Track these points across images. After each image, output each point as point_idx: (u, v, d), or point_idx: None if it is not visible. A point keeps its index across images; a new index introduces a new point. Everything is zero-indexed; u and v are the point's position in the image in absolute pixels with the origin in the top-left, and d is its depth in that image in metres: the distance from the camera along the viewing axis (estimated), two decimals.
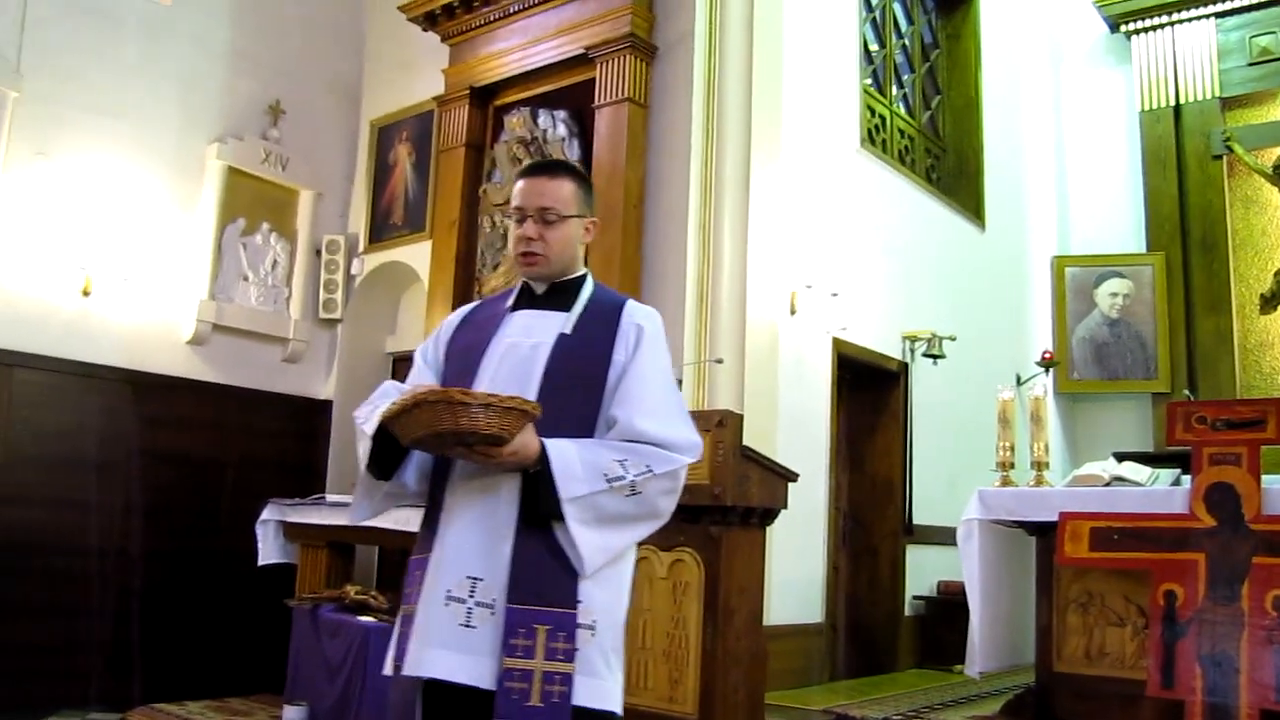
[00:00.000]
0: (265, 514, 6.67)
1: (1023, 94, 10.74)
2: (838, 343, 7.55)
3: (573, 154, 6.94)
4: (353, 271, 8.61)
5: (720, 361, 6.23)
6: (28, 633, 6.72)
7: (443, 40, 7.82)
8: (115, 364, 7.33)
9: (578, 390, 2.52)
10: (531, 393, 2.47)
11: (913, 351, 8.37)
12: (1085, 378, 10.53)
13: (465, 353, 2.65)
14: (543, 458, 2.36)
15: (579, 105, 7.02)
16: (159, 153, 7.66)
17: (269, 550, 6.63)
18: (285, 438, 8.25)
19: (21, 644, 6.65)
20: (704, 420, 4.70)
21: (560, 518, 2.37)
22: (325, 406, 8.51)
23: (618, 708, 2.44)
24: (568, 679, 2.33)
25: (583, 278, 2.74)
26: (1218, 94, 10.36)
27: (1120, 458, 5.94)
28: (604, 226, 6.53)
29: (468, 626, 2.35)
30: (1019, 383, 9.42)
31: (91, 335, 7.20)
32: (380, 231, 8.55)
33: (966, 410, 8.64)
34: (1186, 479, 5.02)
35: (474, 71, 7.58)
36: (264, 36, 8.38)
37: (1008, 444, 5.96)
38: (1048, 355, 9.74)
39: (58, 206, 7.08)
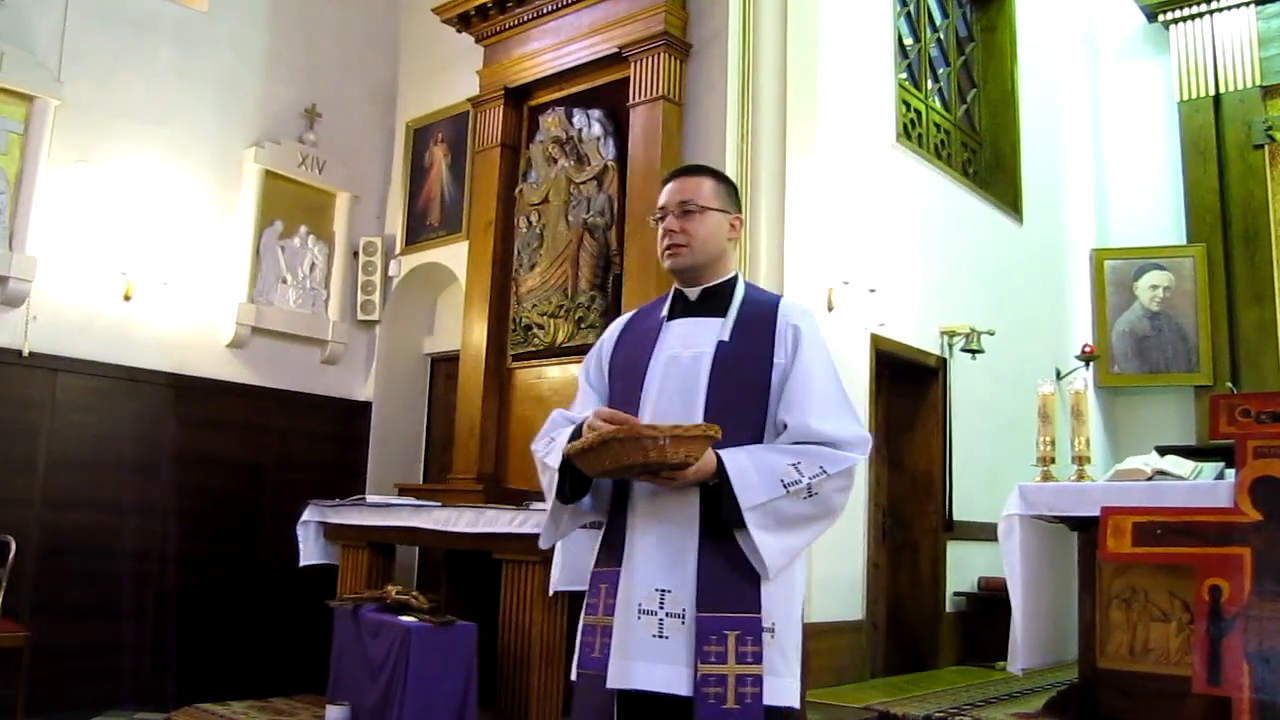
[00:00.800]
0: (306, 515, 6.72)
1: (1059, 86, 10.65)
2: (876, 338, 7.51)
3: (608, 153, 6.94)
4: (390, 273, 8.65)
5: None
6: (73, 634, 6.80)
7: (477, 41, 7.84)
8: (157, 368, 7.40)
9: (744, 398, 2.57)
10: (698, 406, 2.54)
11: (951, 347, 8.32)
12: (1126, 371, 10.43)
13: (628, 370, 2.72)
14: (720, 471, 2.43)
15: (613, 104, 7.02)
16: (198, 158, 7.73)
17: (310, 551, 6.68)
18: (325, 439, 8.30)
19: (67, 645, 6.73)
20: None
21: (743, 526, 2.44)
22: (364, 408, 8.56)
23: (797, 703, 2.54)
24: (758, 680, 2.42)
25: (734, 280, 2.79)
26: (1258, 82, 10.23)
27: (1163, 451, 5.89)
28: (640, 225, 6.54)
29: (660, 637, 2.44)
30: (1059, 377, 9.35)
31: (133, 339, 7.28)
32: (417, 233, 8.58)
33: (1006, 405, 8.58)
34: (1230, 473, 4.96)
35: (508, 72, 7.60)
36: (299, 41, 8.43)
37: (1048, 439, 5.92)
38: (1088, 349, 9.69)
39: (99, 212, 7.16)
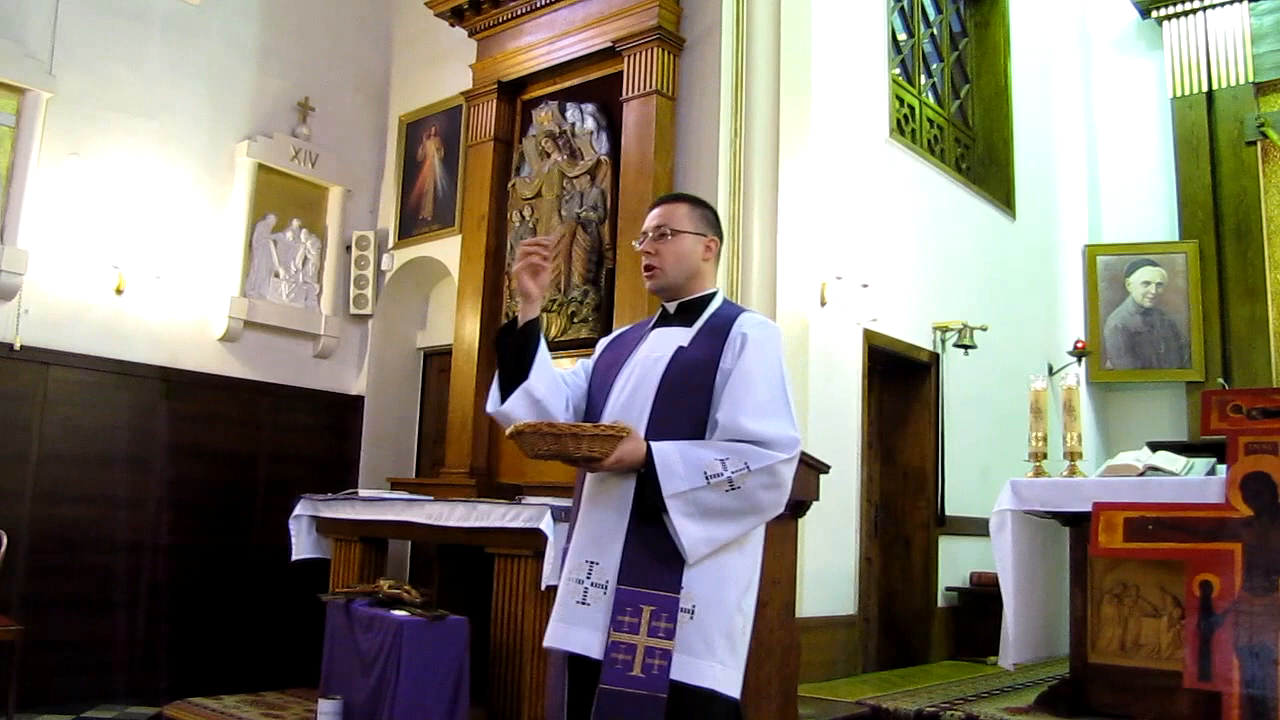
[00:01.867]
0: (298, 509, 6.70)
1: (1052, 82, 10.66)
2: (868, 334, 7.52)
3: (601, 148, 6.93)
4: (383, 267, 8.64)
5: None
6: (65, 627, 6.79)
7: (470, 35, 7.82)
8: (149, 361, 7.39)
9: (689, 397, 2.78)
10: (648, 404, 2.79)
11: (944, 342, 8.33)
12: (1118, 367, 10.45)
13: (608, 368, 2.99)
14: (648, 459, 2.66)
15: (607, 98, 7.01)
16: (190, 151, 7.71)
17: (302, 545, 6.66)
18: (317, 433, 8.30)
19: (59, 638, 6.72)
20: None
21: (665, 511, 2.64)
22: (357, 402, 8.55)
23: (723, 688, 2.67)
24: (667, 654, 2.60)
25: (710, 295, 3.01)
26: (1251, 79, 10.25)
27: (1154, 447, 5.91)
28: (633, 220, 6.54)
29: (583, 604, 2.69)
30: (1051, 372, 9.37)
31: (125, 333, 7.27)
32: (410, 227, 8.57)
33: (998, 401, 8.60)
34: (1222, 468, 4.98)
35: (501, 66, 7.59)
36: (292, 34, 8.41)
37: (1040, 434, 5.93)
38: (1080, 344, 9.70)
39: (91, 206, 7.14)
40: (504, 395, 2.89)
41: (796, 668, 4.96)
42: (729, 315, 2.93)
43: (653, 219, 3.01)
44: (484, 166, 7.60)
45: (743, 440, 2.70)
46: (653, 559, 2.67)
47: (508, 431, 2.70)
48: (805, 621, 5.93)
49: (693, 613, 2.66)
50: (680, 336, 2.90)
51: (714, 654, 2.67)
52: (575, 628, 2.68)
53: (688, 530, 2.64)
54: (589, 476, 2.81)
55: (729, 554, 2.76)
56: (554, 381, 2.94)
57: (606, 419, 2.82)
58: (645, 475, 2.67)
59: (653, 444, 2.68)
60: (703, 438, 2.75)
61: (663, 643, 2.60)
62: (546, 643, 2.74)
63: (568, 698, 2.76)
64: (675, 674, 2.60)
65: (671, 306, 3.00)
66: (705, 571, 2.70)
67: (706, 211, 3.06)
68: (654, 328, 3.01)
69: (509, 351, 2.89)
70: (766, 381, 2.80)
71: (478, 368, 7.17)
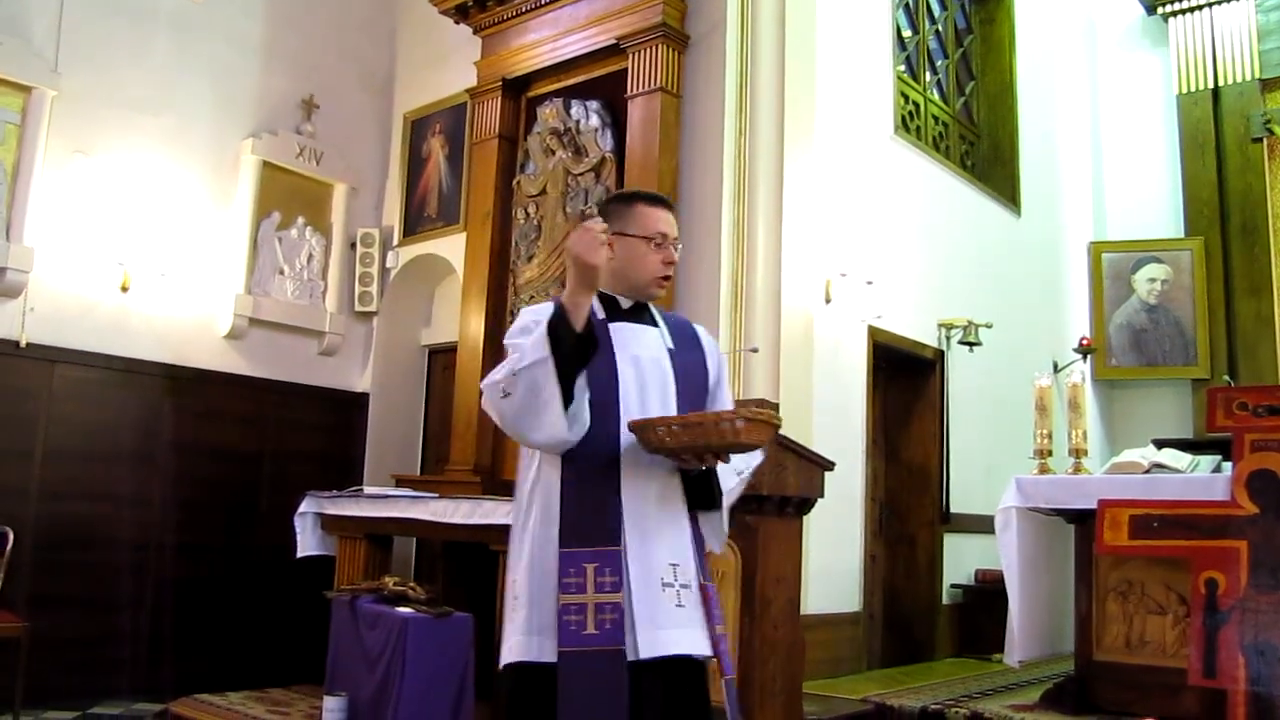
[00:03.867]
0: (303, 506, 6.71)
1: (1058, 78, 10.64)
2: (873, 331, 7.52)
3: (606, 145, 6.93)
4: (387, 264, 8.65)
5: (755, 350, 6.22)
6: (71, 624, 6.80)
7: (474, 32, 7.82)
8: (154, 359, 7.40)
9: (694, 395, 2.91)
10: (673, 399, 2.84)
11: (949, 339, 8.32)
12: (1123, 364, 10.43)
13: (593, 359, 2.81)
14: None
15: (612, 96, 7.01)
16: (194, 149, 7.72)
17: (307, 542, 6.67)
18: (322, 431, 8.30)
19: (64, 635, 6.73)
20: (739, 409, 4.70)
21: (719, 507, 2.86)
22: (362, 399, 8.56)
23: None
24: (723, 637, 2.81)
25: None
26: (1257, 76, 10.22)
27: (1160, 445, 5.90)
28: None
29: (680, 606, 2.70)
30: (1056, 370, 9.35)
31: (130, 331, 7.27)
32: (414, 224, 8.58)
33: (1003, 398, 8.59)
34: (1227, 466, 4.97)
35: (506, 63, 7.59)
36: (296, 32, 8.41)
37: (1045, 431, 5.93)
38: (1085, 342, 9.68)
39: (96, 203, 7.15)
40: (566, 416, 2.65)
41: (801, 665, 4.96)
42: (683, 321, 3.10)
43: (671, 225, 2.98)
44: (488, 164, 7.60)
45: None
46: (702, 553, 2.85)
47: (635, 425, 2.68)
48: (810, 619, 5.92)
49: None
50: (655, 336, 2.94)
51: None
52: (679, 630, 2.68)
53: (727, 522, 2.91)
54: (634, 476, 2.74)
55: None
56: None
57: (631, 415, 2.74)
58: (701, 474, 2.80)
59: None
60: None
61: (720, 629, 2.80)
62: (659, 652, 2.64)
63: (662, 706, 2.70)
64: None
65: (626, 302, 2.94)
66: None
67: None
68: (612, 319, 2.89)
69: (577, 359, 2.63)
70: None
71: (482, 365, 7.17)
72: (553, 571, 2.68)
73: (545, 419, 2.63)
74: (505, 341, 2.81)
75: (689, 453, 2.68)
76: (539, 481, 2.81)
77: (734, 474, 2.87)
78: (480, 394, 2.88)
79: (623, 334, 2.86)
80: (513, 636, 2.71)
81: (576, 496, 2.73)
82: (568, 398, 2.62)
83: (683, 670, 2.71)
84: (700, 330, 3.09)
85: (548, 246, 7.10)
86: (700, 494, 2.82)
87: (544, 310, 2.76)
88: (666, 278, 2.94)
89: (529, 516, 2.80)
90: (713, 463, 2.74)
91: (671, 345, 2.93)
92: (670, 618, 2.67)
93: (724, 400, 3.01)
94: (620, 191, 3.13)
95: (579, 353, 2.62)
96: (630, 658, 2.62)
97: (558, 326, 2.59)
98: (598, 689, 2.59)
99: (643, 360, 2.85)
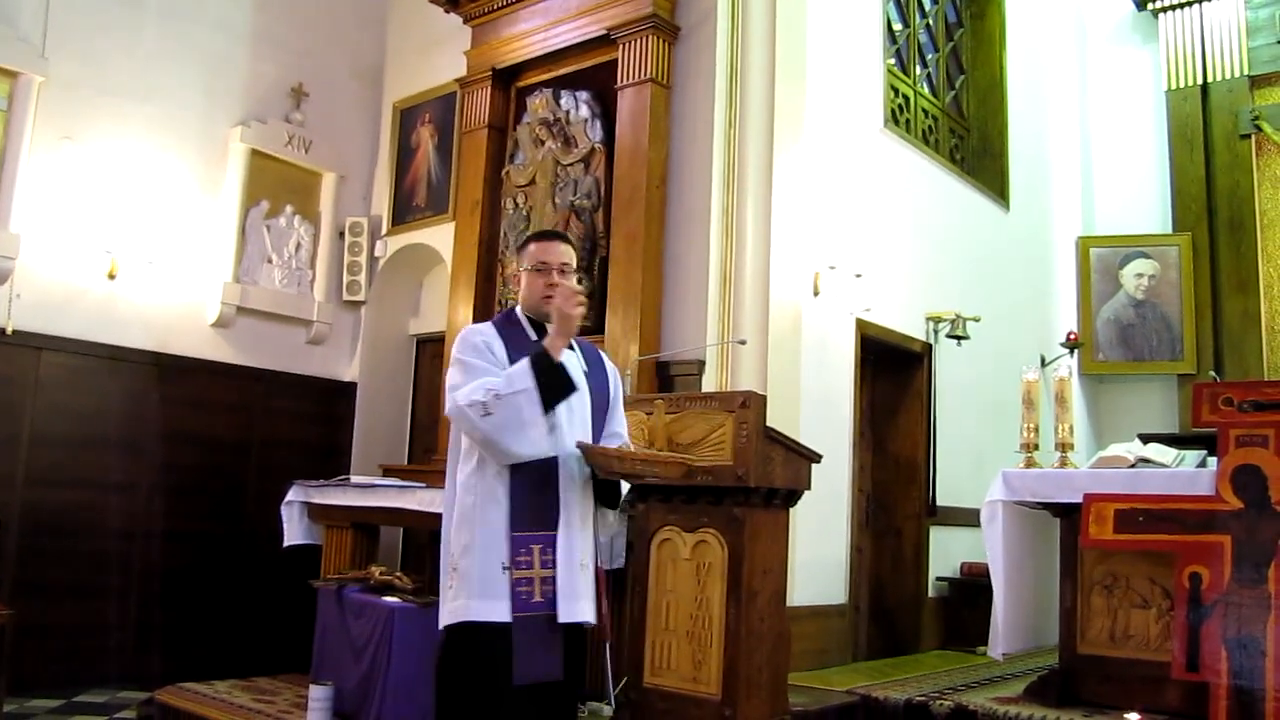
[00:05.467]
0: (290, 495, 6.70)
1: (1047, 73, 10.65)
2: (861, 323, 7.52)
3: (595, 135, 6.93)
4: (376, 254, 8.63)
5: (743, 342, 6.23)
6: (57, 612, 6.80)
7: (465, 22, 7.81)
8: (141, 346, 7.38)
9: (599, 414, 3.51)
10: (587, 414, 3.44)
11: (936, 332, 8.33)
12: (1110, 359, 10.46)
13: None
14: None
15: (601, 86, 7.01)
16: (183, 136, 7.70)
17: (294, 531, 6.66)
18: (309, 419, 8.29)
19: (50, 624, 6.73)
20: (727, 401, 4.70)
21: (617, 507, 3.53)
22: (349, 388, 8.55)
23: None
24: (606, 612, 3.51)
25: None
26: (1246, 72, 10.23)
27: (1145, 439, 5.92)
28: (627, 208, 6.55)
29: (587, 584, 3.35)
30: (1043, 364, 9.37)
31: (118, 318, 7.26)
32: (403, 214, 8.57)
33: (990, 391, 8.60)
34: (1212, 461, 4.99)
35: (496, 53, 7.58)
36: (286, 19, 8.39)
37: (1032, 425, 5.94)
38: (1073, 336, 9.70)
39: (84, 190, 7.13)
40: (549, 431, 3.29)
41: (787, 656, 4.97)
42: (591, 347, 3.65)
43: (557, 254, 3.53)
44: (478, 153, 7.59)
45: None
46: (597, 541, 3.50)
47: (594, 453, 3.29)
48: (796, 610, 5.94)
49: None
50: (574, 360, 3.43)
51: None
52: (585, 602, 3.32)
53: (616, 518, 3.66)
54: (564, 480, 3.33)
55: None
56: None
57: (564, 431, 3.33)
58: (608, 481, 3.42)
59: None
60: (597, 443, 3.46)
61: (606, 603, 3.52)
62: (576, 619, 3.28)
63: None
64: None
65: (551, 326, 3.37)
66: None
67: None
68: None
69: (557, 392, 3.24)
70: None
71: None
72: (497, 549, 3.25)
73: (530, 435, 3.20)
74: (458, 356, 3.35)
75: (623, 476, 3.41)
76: (480, 475, 3.32)
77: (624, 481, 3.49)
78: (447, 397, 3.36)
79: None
80: (457, 600, 3.26)
81: (526, 491, 3.30)
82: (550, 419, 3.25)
83: (578, 632, 3.36)
84: (604, 355, 3.69)
85: None
86: (608, 496, 3.47)
87: (487, 330, 3.46)
88: (548, 298, 3.41)
89: (472, 504, 3.31)
90: (634, 481, 3.50)
91: (585, 368, 3.49)
92: (582, 591, 3.31)
93: (619, 416, 3.62)
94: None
95: (561, 385, 3.23)
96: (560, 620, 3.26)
97: (540, 362, 3.20)
98: (543, 644, 3.24)
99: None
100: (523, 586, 3.22)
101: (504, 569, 3.23)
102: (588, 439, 3.37)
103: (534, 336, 3.44)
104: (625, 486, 3.48)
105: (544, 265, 3.49)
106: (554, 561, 3.27)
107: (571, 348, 3.43)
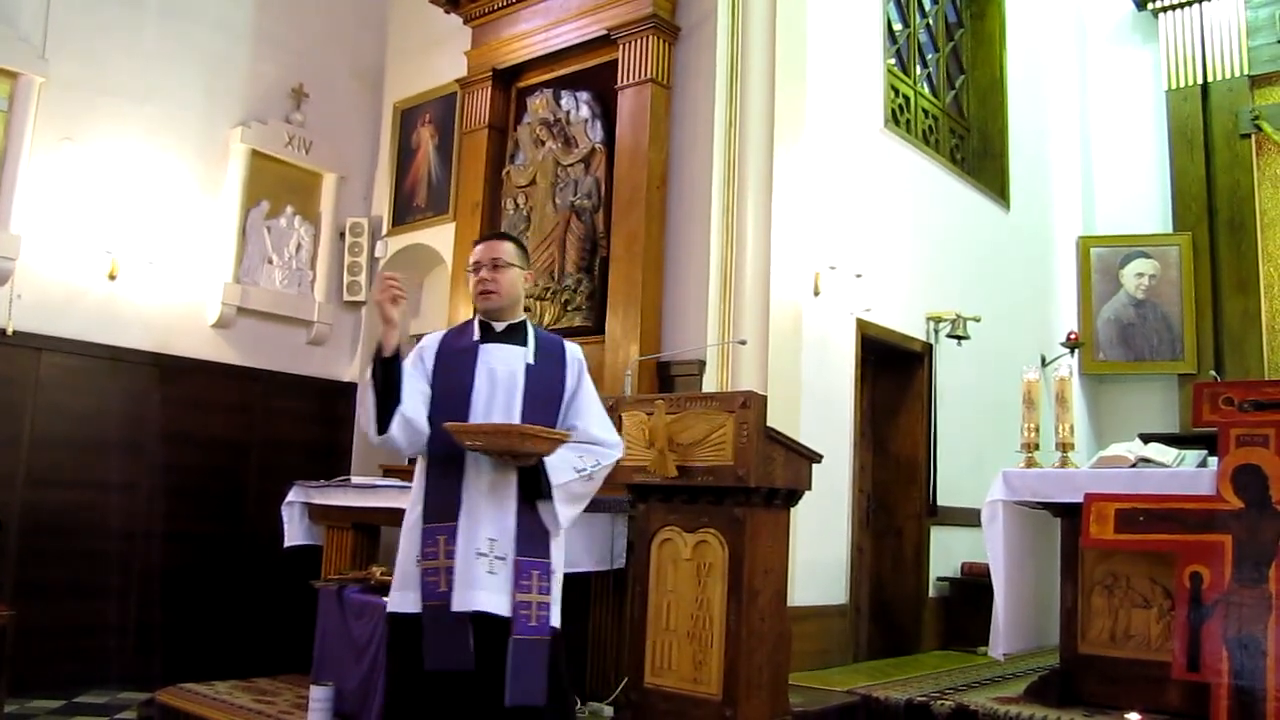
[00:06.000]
0: (290, 496, 6.69)
1: (1048, 73, 10.65)
2: (861, 323, 7.52)
3: (595, 135, 6.93)
4: (376, 254, 8.63)
5: (744, 342, 6.23)
6: (57, 613, 6.80)
7: (465, 22, 7.81)
8: (141, 347, 7.38)
9: (545, 406, 3.58)
10: (518, 408, 3.53)
11: (937, 332, 8.32)
12: (1111, 359, 10.46)
13: (456, 376, 3.60)
14: (540, 458, 3.43)
15: (602, 87, 7.01)
16: (183, 137, 7.70)
17: (294, 532, 6.65)
18: (310, 420, 8.29)
19: (51, 624, 6.72)
20: (728, 401, 4.70)
21: (550, 498, 3.46)
22: (350, 389, 8.54)
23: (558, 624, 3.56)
24: (548, 606, 3.46)
25: (525, 321, 3.77)
26: (1246, 72, 10.23)
27: (1146, 439, 5.91)
28: (627, 208, 6.55)
29: (491, 573, 3.39)
30: (1044, 364, 9.37)
31: (118, 319, 7.26)
32: (403, 214, 8.56)
33: (991, 391, 8.60)
34: (1213, 460, 4.99)
35: (496, 53, 7.58)
36: (287, 20, 8.39)
37: (1032, 425, 5.94)
38: (1073, 336, 9.70)
39: (84, 191, 7.13)
40: (383, 423, 3.44)
41: (788, 656, 4.97)
42: (554, 340, 3.78)
43: (485, 251, 3.69)
44: (478, 154, 7.59)
45: (594, 443, 3.59)
46: (535, 533, 3.47)
47: (458, 428, 3.37)
48: (796, 611, 5.94)
49: (555, 573, 3.53)
50: (521, 354, 3.63)
51: (559, 601, 3.56)
52: (487, 592, 3.36)
53: (562, 511, 3.48)
54: (475, 469, 3.46)
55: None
56: (416, 396, 3.53)
57: (476, 420, 3.48)
58: (533, 469, 3.43)
59: None
60: None
61: (545, 598, 3.44)
62: (467, 607, 3.35)
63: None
64: (553, 620, 3.47)
65: (500, 326, 3.68)
66: (558, 541, 3.58)
67: (523, 249, 3.85)
68: (483, 342, 3.65)
69: (385, 380, 3.43)
70: (598, 400, 3.71)
71: None
72: (416, 542, 3.46)
73: (367, 424, 3.47)
74: None
75: (496, 453, 3.41)
76: (416, 474, 3.62)
77: (572, 470, 3.48)
78: None
79: (487, 353, 3.62)
80: (392, 593, 3.52)
81: (434, 484, 3.53)
82: (387, 408, 3.42)
83: (494, 624, 3.36)
84: (569, 349, 3.75)
85: (537, 237, 7.09)
86: (529, 486, 3.46)
87: (431, 339, 3.73)
88: (481, 294, 3.65)
89: (410, 502, 3.60)
90: (514, 462, 3.42)
91: (532, 360, 3.62)
92: (480, 581, 3.36)
93: (580, 408, 3.64)
94: None
95: (388, 375, 3.41)
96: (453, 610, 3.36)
97: (374, 355, 3.43)
98: (450, 633, 3.36)
99: (498, 373, 3.57)
100: (430, 577, 3.40)
101: (417, 561, 3.44)
102: None
103: (477, 336, 3.68)
104: (560, 477, 3.45)
105: (476, 264, 3.69)
106: (455, 551, 3.41)
107: (525, 341, 3.65)
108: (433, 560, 3.41)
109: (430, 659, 3.36)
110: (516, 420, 3.48)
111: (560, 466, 3.45)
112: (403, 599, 3.46)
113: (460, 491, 3.47)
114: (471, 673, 3.36)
